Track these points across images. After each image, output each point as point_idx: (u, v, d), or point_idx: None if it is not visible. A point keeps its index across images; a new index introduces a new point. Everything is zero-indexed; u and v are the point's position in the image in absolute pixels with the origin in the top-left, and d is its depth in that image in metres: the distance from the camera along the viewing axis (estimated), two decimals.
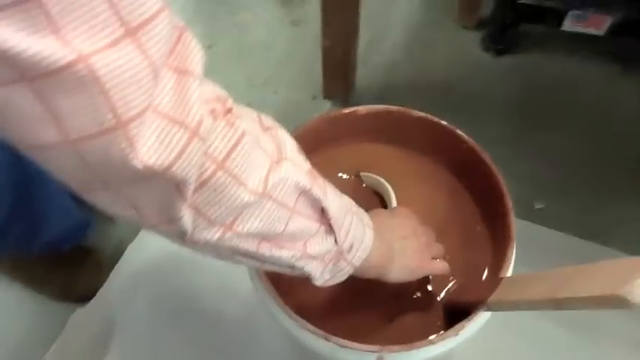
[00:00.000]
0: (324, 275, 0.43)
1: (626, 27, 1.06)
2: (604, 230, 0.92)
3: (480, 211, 0.63)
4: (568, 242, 0.88)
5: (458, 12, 1.26)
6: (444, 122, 0.64)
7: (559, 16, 1.08)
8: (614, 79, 1.15)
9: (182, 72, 0.27)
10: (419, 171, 0.66)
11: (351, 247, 0.42)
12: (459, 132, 0.63)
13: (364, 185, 0.66)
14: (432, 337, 0.51)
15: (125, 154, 0.25)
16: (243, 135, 0.31)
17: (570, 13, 1.06)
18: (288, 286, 0.53)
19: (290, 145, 0.37)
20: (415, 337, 0.51)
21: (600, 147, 1.05)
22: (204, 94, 0.29)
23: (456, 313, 0.53)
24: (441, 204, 0.64)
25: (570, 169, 1.02)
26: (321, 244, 0.40)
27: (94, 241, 0.93)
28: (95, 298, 0.84)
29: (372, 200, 0.64)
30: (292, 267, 0.40)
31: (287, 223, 0.36)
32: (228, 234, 0.33)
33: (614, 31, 1.06)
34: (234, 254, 0.36)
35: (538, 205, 0.97)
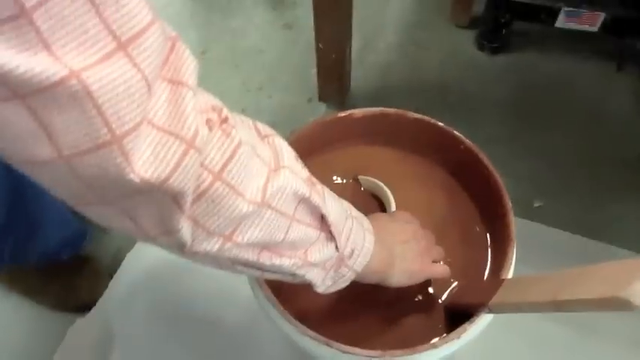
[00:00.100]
0: (325, 282, 0.42)
1: (619, 24, 1.06)
2: (602, 228, 0.92)
3: (479, 211, 0.63)
4: (568, 240, 0.88)
5: (451, 11, 1.26)
6: (440, 123, 0.64)
7: (553, 14, 1.08)
8: (610, 77, 1.15)
9: (176, 83, 0.27)
10: (416, 173, 0.66)
11: (352, 253, 0.42)
12: (456, 133, 0.63)
13: (362, 189, 0.66)
14: (434, 341, 0.50)
15: (121, 169, 0.25)
16: (239, 145, 0.31)
17: (564, 9, 1.06)
18: (288, 293, 0.53)
19: (287, 153, 0.36)
20: (417, 340, 0.50)
21: (597, 145, 1.05)
22: (199, 104, 0.29)
23: (457, 316, 0.53)
24: (439, 205, 0.64)
25: (567, 167, 1.02)
26: (321, 252, 0.39)
27: (92, 250, 0.93)
28: (95, 307, 0.84)
29: (371, 204, 0.64)
30: (293, 275, 0.39)
31: (287, 232, 0.36)
32: (228, 244, 0.33)
33: (607, 27, 1.06)
34: (235, 264, 0.36)
35: (537, 204, 0.97)
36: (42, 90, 0.22)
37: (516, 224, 0.56)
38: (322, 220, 0.39)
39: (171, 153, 0.26)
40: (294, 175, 0.35)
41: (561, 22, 1.09)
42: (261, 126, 0.36)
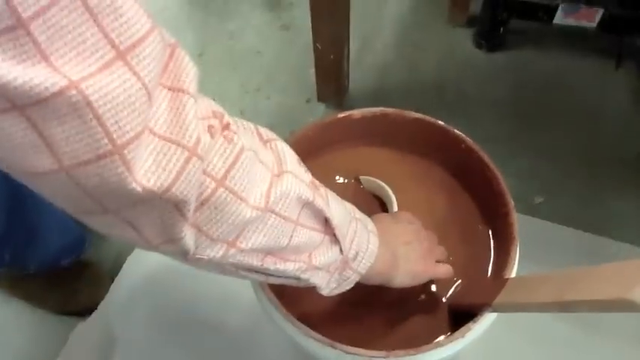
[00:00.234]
0: (330, 285, 0.42)
1: (618, 20, 1.06)
2: (603, 224, 0.92)
3: (480, 210, 0.63)
4: (569, 235, 0.88)
5: (448, 10, 1.26)
6: (440, 123, 0.64)
7: (550, 11, 1.08)
8: (608, 74, 1.15)
9: (176, 90, 0.27)
10: (416, 173, 0.66)
11: (356, 255, 0.42)
12: (457, 132, 0.63)
13: (362, 187, 0.66)
14: (438, 340, 0.50)
15: (123, 178, 0.25)
16: (242, 151, 0.31)
17: (562, 6, 1.06)
18: (290, 295, 0.52)
19: (290, 157, 0.36)
20: (421, 340, 0.50)
21: (596, 142, 1.05)
22: (200, 111, 0.29)
23: (460, 315, 0.52)
24: (440, 205, 0.64)
25: (567, 164, 1.02)
26: (326, 255, 0.39)
27: (93, 255, 0.92)
28: (96, 312, 0.84)
29: (373, 204, 0.64)
30: (298, 279, 0.39)
31: (291, 237, 0.36)
32: (232, 251, 0.33)
33: (606, 24, 1.06)
34: (239, 270, 0.36)
35: (537, 200, 0.97)
36: (41, 101, 0.22)
37: (518, 221, 0.55)
38: (326, 224, 0.39)
39: (173, 161, 0.26)
40: (297, 179, 0.35)
41: (559, 18, 1.09)
42: (263, 131, 0.36)
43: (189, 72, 0.28)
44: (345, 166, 0.66)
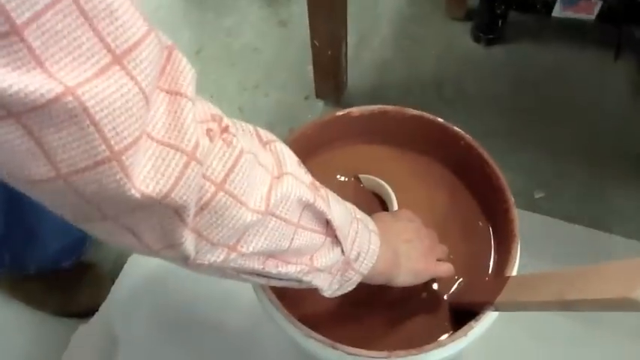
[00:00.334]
0: (332, 286, 0.42)
1: (616, 11, 1.06)
2: (603, 218, 0.92)
3: (481, 207, 0.63)
4: (570, 230, 0.88)
5: (446, 3, 1.25)
6: (440, 119, 0.64)
7: (549, 4, 1.08)
8: (607, 66, 1.14)
9: (174, 94, 0.26)
10: (416, 170, 0.66)
11: (358, 256, 0.42)
12: (456, 129, 0.62)
13: (362, 185, 0.65)
14: (441, 339, 0.50)
15: (121, 185, 0.24)
16: (241, 154, 0.30)
17: None
18: (291, 296, 0.52)
19: (290, 159, 0.36)
20: (422, 340, 0.50)
21: (595, 135, 1.05)
22: (198, 114, 0.28)
23: (462, 314, 0.52)
24: (440, 202, 0.63)
25: (567, 158, 1.02)
26: (327, 257, 0.39)
27: (93, 256, 0.92)
28: (97, 313, 0.83)
29: (372, 203, 0.64)
30: (300, 281, 0.39)
31: (292, 239, 0.35)
32: (233, 255, 0.33)
33: (604, 16, 1.05)
34: (240, 274, 0.35)
35: (538, 195, 0.97)
36: (37, 108, 0.21)
37: (518, 217, 0.55)
38: (327, 225, 0.38)
39: (172, 166, 0.26)
40: (297, 181, 0.35)
41: (558, 11, 1.08)
42: (262, 132, 0.36)
43: (186, 75, 0.27)
44: (344, 165, 0.66)
